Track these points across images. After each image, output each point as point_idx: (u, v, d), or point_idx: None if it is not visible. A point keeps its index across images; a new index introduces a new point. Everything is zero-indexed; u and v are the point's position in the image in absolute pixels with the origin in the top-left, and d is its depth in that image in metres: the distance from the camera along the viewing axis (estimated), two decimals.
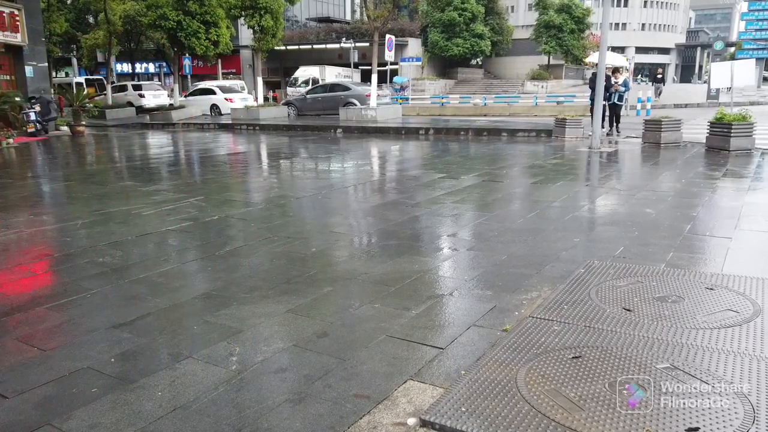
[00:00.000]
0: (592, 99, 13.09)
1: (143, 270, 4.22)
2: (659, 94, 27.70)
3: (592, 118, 13.44)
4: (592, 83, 13.37)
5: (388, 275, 4.01)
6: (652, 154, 10.51)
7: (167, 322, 3.28)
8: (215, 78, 43.29)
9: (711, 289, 3.54)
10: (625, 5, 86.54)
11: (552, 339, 2.89)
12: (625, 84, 13.92)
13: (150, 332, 3.13)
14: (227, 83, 29.97)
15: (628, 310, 3.24)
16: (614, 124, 13.94)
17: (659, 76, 30.15)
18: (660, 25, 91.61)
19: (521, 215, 5.95)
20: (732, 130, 9.93)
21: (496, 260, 4.33)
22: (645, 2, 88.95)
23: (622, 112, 15.04)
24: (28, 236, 5.37)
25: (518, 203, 6.70)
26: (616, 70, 14.12)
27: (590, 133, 12.76)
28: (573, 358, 2.67)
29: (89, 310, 3.47)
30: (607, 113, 13.81)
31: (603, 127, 13.24)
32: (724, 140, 10.05)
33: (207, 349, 2.91)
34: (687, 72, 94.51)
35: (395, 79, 31.09)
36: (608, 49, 13.24)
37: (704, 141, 10.75)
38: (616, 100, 13.78)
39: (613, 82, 13.52)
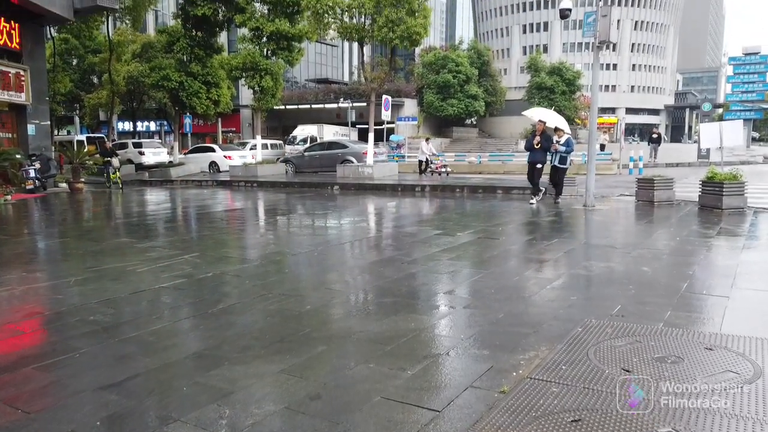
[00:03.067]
0: (530, 161, 12.27)
1: (134, 328, 4.15)
2: (655, 155, 26.03)
3: (530, 180, 12.30)
4: (528, 144, 12.40)
5: (384, 333, 3.96)
6: (646, 212, 10.60)
7: (156, 383, 3.20)
8: (215, 136, 44.00)
9: (710, 349, 3.50)
10: (614, 69, 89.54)
11: (551, 401, 2.82)
12: (568, 144, 12.22)
13: (138, 394, 3.05)
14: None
15: (628, 371, 3.18)
16: (553, 189, 12.49)
17: (655, 136, 27.77)
18: (649, 87, 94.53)
19: (517, 273, 5.93)
20: (724, 189, 10.06)
21: (493, 318, 4.28)
22: (633, 66, 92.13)
23: (567, 176, 13.08)
24: (20, 294, 5.31)
25: (514, 260, 6.70)
26: (558, 129, 12.52)
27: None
28: (572, 421, 2.60)
29: (77, 371, 3.39)
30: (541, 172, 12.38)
31: (538, 194, 12.28)
32: (716, 199, 10.17)
33: (196, 411, 2.82)
34: (677, 132, 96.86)
35: (392, 137, 31.71)
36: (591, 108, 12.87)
37: (697, 199, 10.87)
38: (557, 162, 12.28)
39: (554, 141, 12.15)
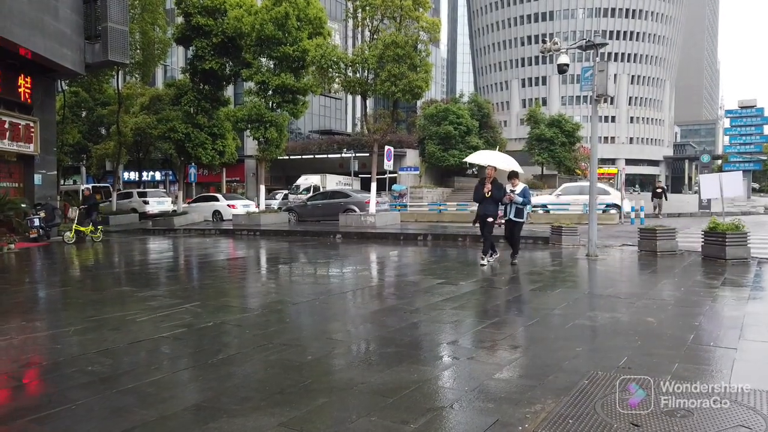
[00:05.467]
0: (480, 214, 10.33)
1: (132, 379, 4.08)
2: (660, 210, 24.22)
3: (483, 236, 10.34)
4: (478, 194, 10.27)
5: (386, 385, 3.88)
6: (650, 262, 10.55)
7: None
8: (219, 185, 44.48)
9: (720, 403, 3.41)
10: (613, 121, 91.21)
11: None
12: (524, 194, 10.40)
13: None
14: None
15: (636, 426, 3.10)
16: (500, 248, 10.64)
17: (658, 190, 24.86)
18: (647, 139, 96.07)
19: (521, 323, 5.86)
20: (726, 239, 10.04)
21: (497, 370, 4.20)
22: (631, 118, 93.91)
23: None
24: (18, 343, 5.25)
25: (518, 310, 6.63)
26: (513, 175, 10.62)
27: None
28: None
29: (72, 423, 3.31)
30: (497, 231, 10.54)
31: (492, 253, 10.26)
32: (719, 249, 10.14)
33: None
34: (677, 182, 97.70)
35: (394, 186, 32.01)
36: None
37: (700, 249, 10.84)
38: (513, 216, 10.36)
39: (508, 191, 10.29)
